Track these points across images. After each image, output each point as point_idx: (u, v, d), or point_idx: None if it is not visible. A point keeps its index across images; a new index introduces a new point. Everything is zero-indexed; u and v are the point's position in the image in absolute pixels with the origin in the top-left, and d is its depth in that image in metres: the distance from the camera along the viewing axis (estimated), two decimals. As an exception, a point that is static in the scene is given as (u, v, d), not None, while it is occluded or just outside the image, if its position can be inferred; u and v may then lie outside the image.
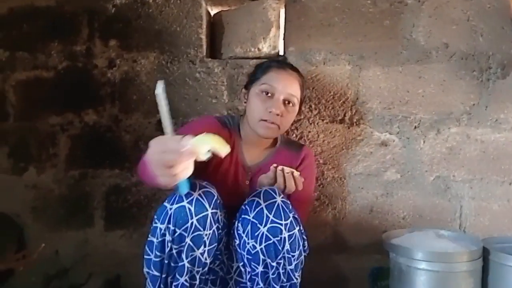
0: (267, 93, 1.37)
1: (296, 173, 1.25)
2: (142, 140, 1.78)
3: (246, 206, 1.21)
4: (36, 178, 1.83)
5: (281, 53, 1.79)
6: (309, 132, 1.75)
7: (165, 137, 0.97)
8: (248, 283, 1.26)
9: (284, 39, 1.77)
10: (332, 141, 1.75)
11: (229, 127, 1.46)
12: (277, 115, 1.35)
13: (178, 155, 0.90)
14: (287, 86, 1.38)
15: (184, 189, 1.10)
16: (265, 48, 1.76)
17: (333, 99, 1.74)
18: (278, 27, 1.79)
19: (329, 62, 1.73)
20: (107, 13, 1.79)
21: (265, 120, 1.36)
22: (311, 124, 1.75)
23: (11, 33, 1.83)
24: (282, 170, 1.24)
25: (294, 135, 1.75)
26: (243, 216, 1.21)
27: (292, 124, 1.73)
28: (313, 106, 1.74)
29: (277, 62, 1.45)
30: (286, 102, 1.38)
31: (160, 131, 1.73)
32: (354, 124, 1.74)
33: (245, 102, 1.45)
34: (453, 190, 1.72)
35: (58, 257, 1.81)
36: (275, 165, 1.26)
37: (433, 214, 1.73)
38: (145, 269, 1.19)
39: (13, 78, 1.83)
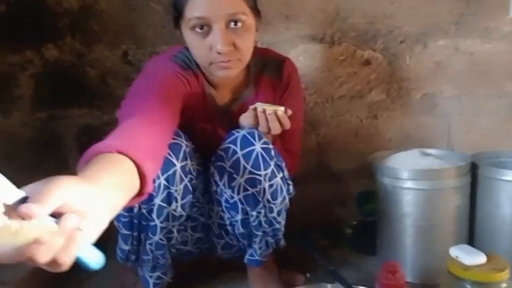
0: (201, 28, 1.04)
1: (280, 111, 1.07)
2: (108, 75, 1.66)
3: (222, 153, 1.10)
4: (1, 123, 1.73)
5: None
6: (288, 55, 1.62)
7: None
8: (229, 227, 1.21)
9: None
10: (312, 63, 1.65)
11: (192, 68, 1.16)
12: (228, 51, 1.04)
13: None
14: (222, 7, 1.02)
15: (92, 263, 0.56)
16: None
17: (312, 16, 1.61)
18: None
19: (305, -26, 1.59)
20: None
21: (217, 62, 1.07)
22: (289, 45, 1.63)
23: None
24: (264, 111, 1.07)
25: (272, 59, 1.63)
26: (218, 163, 1.11)
27: (268, 47, 1.62)
28: (290, 25, 1.61)
29: None
30: (232, 23, 1.04)
31: (126, 63, 1.64)
32: (335, 43, 1.63)
33: (185, 46, 1.15)
34: (440, 107, 1.66)
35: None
36: (251, 106, 1.09)
37: (420, 134, 1.67)
38: (115, 223, 1.10)
39: (-40, 16, 1.68)
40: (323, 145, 1.70)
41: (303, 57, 1.64)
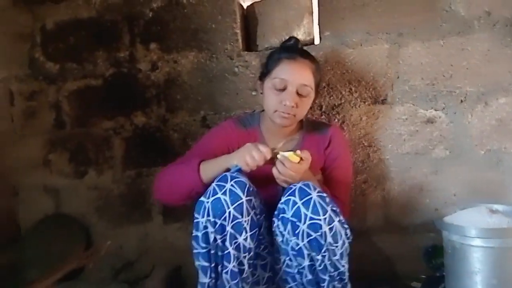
0: (279, 87, 1.37)
1: (280, 154, 1.25)
2: (189, 137, 1.85)
3: (283, 205, 1.24)
4: (96, 180, 1.96)
5: (317, 38, 1.78)
6: (351, 115, 1.75)
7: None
8: (297, 275, 1.31)
9: (318, 24, 1.77)
10: (375, 123, 1.74)
11: (247, 126, 1.50)
12: (292, 107, 1.36)
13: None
14: (299, 77, 1.37)
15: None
16: (300, 35, 1.76)
17: (373, 80, 1.72)
18: (311, 13, 1.78)
19: (366, 42, 1.71)
20: (145, 17, 1.86)
21: (281, 111, 1.38)
22: (352, 107, 1.74)
23: (59, 46, 1.95)
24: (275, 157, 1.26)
25: (336, 120, 1.75)
26: (281, 215, 1.25)
27: (333, 109, 1.75)
28: (353, 89, 1.73)
29: (287, 52, 1.42)
30: (299, 92, 1.38)
31: (204, 127, 1.82)
32: (397, 103, 1.72)
33: (261, 93, 1.47)
34: (505, 163, 1.66)
35: (122, 252, 1.94)
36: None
37: (486, 189, 1.68)
38: (196, 262, 1.26)
39: (65, 89, 1.95)
40: (388, 200, 1.76)
41: (366, 116, 1.74)
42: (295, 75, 1.37)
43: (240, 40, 1.79)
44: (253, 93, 1.79)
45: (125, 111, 1.91)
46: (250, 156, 1.23)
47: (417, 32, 1.67)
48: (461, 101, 1.67)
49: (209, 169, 1.29)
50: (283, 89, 1.37)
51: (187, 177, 1.31)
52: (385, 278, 1.71)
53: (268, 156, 1.24)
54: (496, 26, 1.62)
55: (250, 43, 1.86)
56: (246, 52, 1.80)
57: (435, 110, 1.69)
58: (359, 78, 1.72)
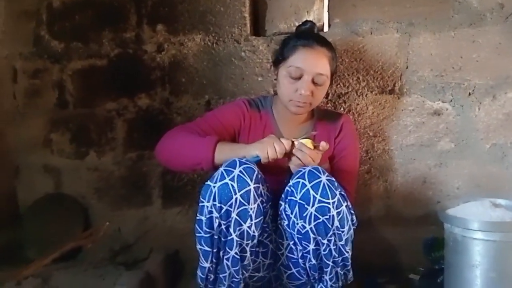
0: (294, 76, 1.36)
1: (297, 142, 1.24)
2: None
3: (292, 188, 1.22)
4: (97, 161, 1.94)
5: (326, 25, 1.76)
6: (358, 104, 1.73)
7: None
8: (300, 260, 1.30)
9: (328, 10, 1.74)
10: (382, 113, 1.73)
11: (260, 108, 1.49)
12: (307, 95, 1.35)
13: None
14: (315, 67, 1.35)
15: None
16: (311, 20, 1.73)
17: (382, 70, 1.71)
18: (322, -1, 1.76)
19: (376, 31, 1.69)
20: (153, -2, 1.83)
21: (296, 101, 1.37)
22: (359, 96, 1.73)
23: (65, 25, 1.92)
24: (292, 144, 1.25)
25: (342, 109, 1.74)
26: (289, 197, 1.24)
27: (339, 97, 1.74)
28: (361, 77, 1.72)
29: (304, 39, 1.39)
30: (315, 81, 1.36)
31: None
32: (405, 94, 1.71)
33: (275, 79, 1.46)
34: (510, 158, 1.66)
35: (121, 234, 1.93)
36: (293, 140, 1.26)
37: (489, 183, 1.68)
38: (198, 246, 1.25)
39: (70, 68, 1.93)
40: (391, 191, 1.75)
41: (373, 106, 1.73)
42: (311, 64, 1.35)
43: (248, 24, 1.77)
44: (259, 78, 1.77)
45: (129, 92, 1.89)
46: (271, 149, 1.22)
47: (428, 23, 1.65)
48: (469, 94, 1.66)
49: (225, 153, 1.27)
50: (299, 78, 1.36)
51: (200, 152, 1.28)
52: (384, 269, 1.70)
53: (288, 149, 1.23)
54: (509, 19, 1.61)
55: (258, 28, 1.84)
56: (254, 37, 1.78)
57: (443, 102, 1.68)
58: (367, 67, 1.71)
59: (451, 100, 1.68)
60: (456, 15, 1.63)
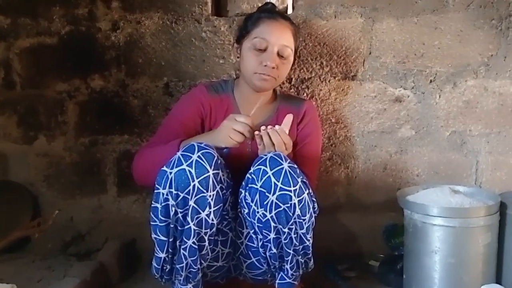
0: (259, 47, 1.33)
1: (277, 127, 1.21)
2: (150, 104, 1.75)
3: (253, 175, 1.18)
4: (47, 146, 1.83)
5: (290, 7, 1.72)
6: (321, 90, 1.70)
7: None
8: (261, 249, 1.26)
9: (292, -8, 1.70)
10: (344, 99, 1.71)
11: (220, 92, 1.45)
12: (272, 68, 1.32)
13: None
14: (280, 37, 1.34)
15: None
16: (273, 2, 1.69)
17: (345, 55, 1.68)
18: (286, -20, 1.71)
19: (340, 15, 1.66)
20: (107, -28, 1.72)
21: (261, 73, 1.34)
22: (322, 82, 1.70)
23: (12, -1, 1.79)
24: (265, 129, 1.21)
25: (305, 94, 1.71)
26: (250, 185, 1.19)
27: (302, 83, 1.70)
28: (324, 63, 1.69)
29: (268, 12, 1.39)
30: (280, 53, 1.34)
31: (167, 95, 1.73)
32: (367, 80, 1.69)
33: (238, 57, 1.42)
34: (469, 145, 1.69)
35: (73, 224, 1.84)
36: (256, 132, 1.21)
37: (448, 170, 1.70)
38: (153, 235, 1.18)
39: (17, 46, 1.79)
40: (352, 178, 1.74)
41: (336, 92, 1.70)
42: (276, 35, 1.34)
43: (209, 4, 1.69)
44: (221, 61, 1.71)
45: (81, 73, 1.77)
46: (233, 132, 1.17)
47: (392, 8, 1.64)
48: (430, 81, 1.67)
49: None
50: (264, 50, 1.33)
51: (167, 159, 1.18)
52: (345, 256, 1.70)
53: (251, 124, 1.18)
54: (471, 6, 1.61)
55: (220, 8, 1.77)
56: (215, 17, 1.71)
57: (404, 89, 1.68)
58: (330, 52, 1.68)
59: (412, 87, 1.68)
60: (420, 1, 1.63)
